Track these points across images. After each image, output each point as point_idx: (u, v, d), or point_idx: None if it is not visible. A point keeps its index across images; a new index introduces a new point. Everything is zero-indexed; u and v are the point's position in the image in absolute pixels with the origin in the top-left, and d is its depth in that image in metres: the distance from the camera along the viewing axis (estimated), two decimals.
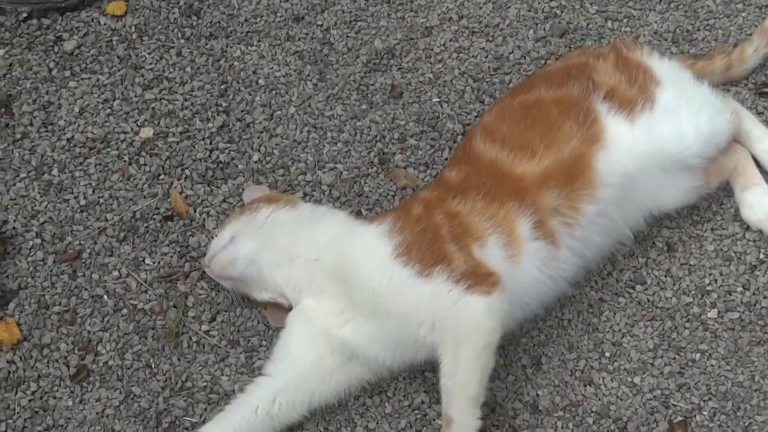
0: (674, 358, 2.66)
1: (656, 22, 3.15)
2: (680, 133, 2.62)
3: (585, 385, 2.63)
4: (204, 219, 2.80)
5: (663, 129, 2.60)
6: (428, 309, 2.35)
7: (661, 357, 2.66)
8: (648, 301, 2.73)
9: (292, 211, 2.60)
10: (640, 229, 2.72)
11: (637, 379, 2.63)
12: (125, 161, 2.89)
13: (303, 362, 2.51)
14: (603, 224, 2.58)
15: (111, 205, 2.82)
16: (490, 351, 2.37)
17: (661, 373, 2.64)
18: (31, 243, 2.76)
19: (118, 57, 3.04)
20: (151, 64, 3.04)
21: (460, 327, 2.34)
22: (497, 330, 2.36)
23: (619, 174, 2.55)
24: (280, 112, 2.97)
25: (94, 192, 2.84)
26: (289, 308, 2.58)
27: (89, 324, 2.68)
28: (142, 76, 3.01)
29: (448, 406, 2.37)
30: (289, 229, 2.56)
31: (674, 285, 2.75)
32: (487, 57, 3.10)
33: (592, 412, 2.60)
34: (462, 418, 2.37)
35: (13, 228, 2.78)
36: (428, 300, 2.35)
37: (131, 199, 2.83)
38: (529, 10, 3.16)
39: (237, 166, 2.88)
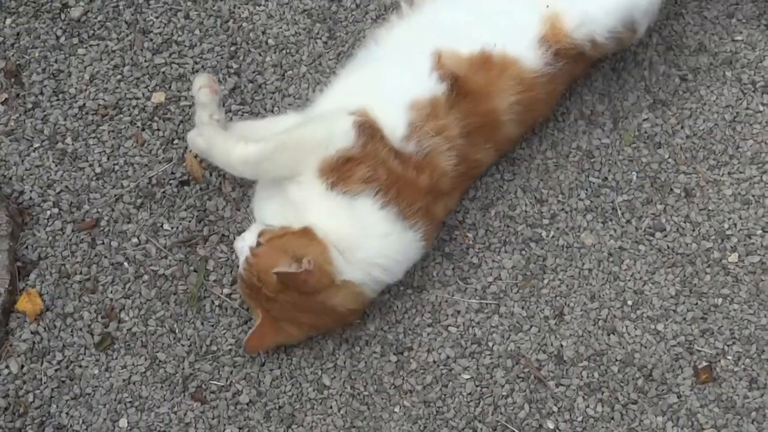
0: (696, 304, 2.67)
1: None
2: None
3: (608, 334, 2.64)
4: (221, 182, 2.80)
5: None
6: None
7: (684, 303, 2.67)
8: (668, 247, 2.73)
9: None
10: None
11: (660, 326, 2.64)
12: (138, 127, 2.87)
13: None
14: None
15: (126, 171, 2.82)
16: None
17: (684, 319, 2.65)
18: (48, 213, 2.76)
19: (126, 22, 3.02)
20: (159, 28, 3.01)
21: None
22: None
23: None
24: (291, 71, 2.95)
25: (108, 159, 2.83)
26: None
27: (111, 291, 2.68)
28: (151, 40, 2.99)
29: None
30: None
31: (693, 231, 2.75)
32: None
33: (616, 360, 2.61)
34: None
35: (30, 198, 2.77)
36: None
37: (146, 165, 2.83)
38: None
39: None
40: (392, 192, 2.45)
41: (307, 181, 2.45)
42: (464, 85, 2.53)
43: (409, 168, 2.46)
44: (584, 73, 2.81)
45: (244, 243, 2.48)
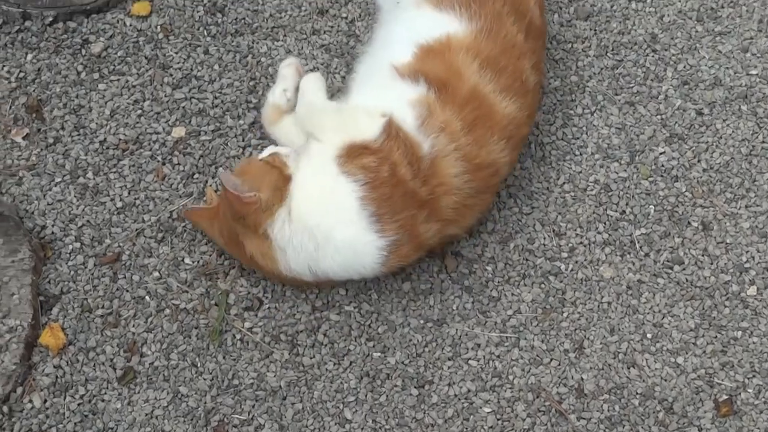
0: (716, 337, 2.68)
1: (680, 1, 3.16)
2: None
3: (628, 368, 2.65)
4: None
5: None
6: None
7: (703, 336, 2.68)
8: (686, 280, 2.75)
9: None
10: None
11: (680, 360, 2.65)
12: (159, 161, 2.89)
13: None
14: None
15: (147, 206, 2.83)
16: None
17: (704, 352, 2.66)
18: (70, 247, 2.77)
19: (146, 57, 3.04)
20: (178, 63, 3.04)
21: None
22: None
23: None
24: None
25: (129, 194, 2.85)
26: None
27: (133, 326, 2.69)
28: (171, 75, 3.02)
29: None
30: None
31: (712, 264, 2.77)
32: None
33: (637, 393, 2.62)
34: None
35: (52, 233, 2.79)
36: None
37: (167, 199, 2.84)
38: None
39: None
40: (381, 190, 2.47)
41: (326, 148, 2.53)
42: (433, 77, 2.58)
43: (418, 179, 2.49)
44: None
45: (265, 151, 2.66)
